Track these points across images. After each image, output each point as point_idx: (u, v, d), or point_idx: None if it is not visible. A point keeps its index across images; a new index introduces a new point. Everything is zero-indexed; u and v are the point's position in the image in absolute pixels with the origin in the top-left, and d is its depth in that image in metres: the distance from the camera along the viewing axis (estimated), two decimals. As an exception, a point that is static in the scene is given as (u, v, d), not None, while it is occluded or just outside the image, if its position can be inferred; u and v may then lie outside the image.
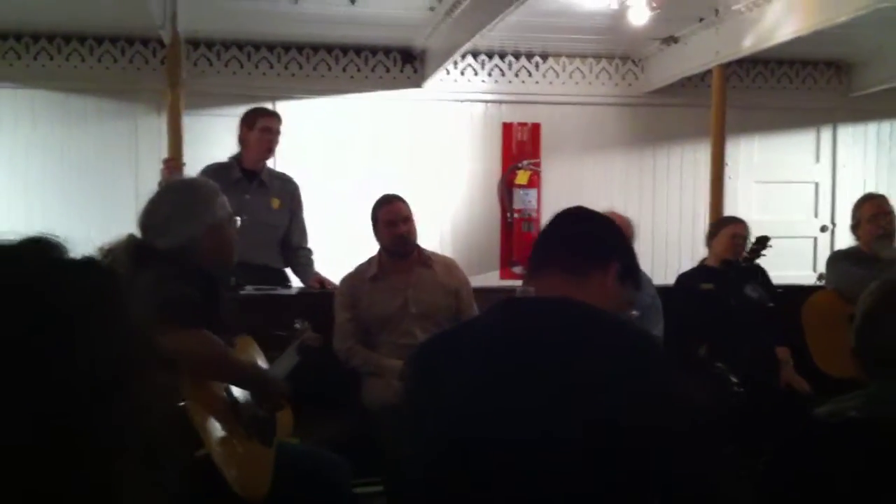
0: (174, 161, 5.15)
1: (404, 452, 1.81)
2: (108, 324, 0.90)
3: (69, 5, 5.91)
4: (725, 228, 5.06)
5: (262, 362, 3.29)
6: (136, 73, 6.95)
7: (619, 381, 1.59)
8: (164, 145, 5.51)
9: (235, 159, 5.12)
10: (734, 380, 4.39)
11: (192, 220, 2.92)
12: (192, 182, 3.31)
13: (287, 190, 5.19)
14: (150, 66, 6.95)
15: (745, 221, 5.08)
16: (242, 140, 5.12)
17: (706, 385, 4.33)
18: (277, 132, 5.14)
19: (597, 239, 1.97)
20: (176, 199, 2.99)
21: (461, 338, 1.85)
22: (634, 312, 3.86)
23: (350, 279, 4.49)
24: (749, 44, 5.85)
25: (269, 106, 6.17)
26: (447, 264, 4.56)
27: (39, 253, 0.92)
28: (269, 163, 5.30)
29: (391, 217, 4.38)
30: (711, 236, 5.16)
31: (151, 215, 2.93)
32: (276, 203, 5.11)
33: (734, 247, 4.92)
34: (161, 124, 6.01)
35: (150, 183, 4.79)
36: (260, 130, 5.06)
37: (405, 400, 1.91)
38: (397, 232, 4.35)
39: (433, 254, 4.60)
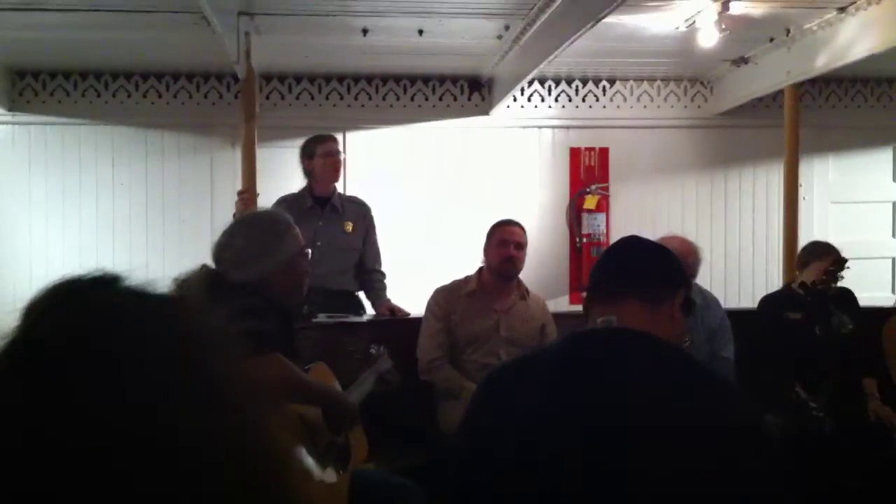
0: (248, 193, 5.25)
1: (463, 475, 1.81)
2: (176, 355, 0.88)
3: (147, 44, 6.10)
4: (821, 261, 4.84)
5: (337, 389, 3.33)
6: (211, 108, 7.14)
7: (708, 446, 1.58)
8: (239, 177, 5.63)
9: (307, 189, 5.22)
10: (813, 405, 4.30)
11: (265, 254, 2.97)
12: (266, 216, 3.37)
13: (360, 213, 5.27)
14: (224, 101, 7.13)
15: (839, 252, 4.88)
16: (307, 172, 5.20)
17: (786, 413, 4.25)
18: (339, 153, 5.24)
19: (667, 267, 1.99)
20: (250, 233, 3.05)
21: (537, 366, 1.85)
22: (687, 341, 3.82)
23: (445, 291, 4.53)
24: (822, 63, 5.76)
25: (339, 137, 6.27)
26: (539, 301, 4.63)
27: (109, 288, 0.91)
28: (340, 188, 5.40)
29: (506, 237, 4.46)
30: (804, 263, 4.97)
31: (226, 248, 2.99)
32: (349, 226, 5.18)
33: (826, 277, 4.80)
34: (235, 157, 6.15)
35: (225, 215, 4.90)
36: (322, 157, 5.15)
37: (468, 421, 1.91)
38: (507, 253, 4.42)
39: (531, 291, 4.65)
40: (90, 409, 0.81)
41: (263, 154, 5.79)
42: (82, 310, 0.88)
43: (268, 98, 7.08)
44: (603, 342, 1.82)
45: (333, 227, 5.13)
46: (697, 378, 1.75)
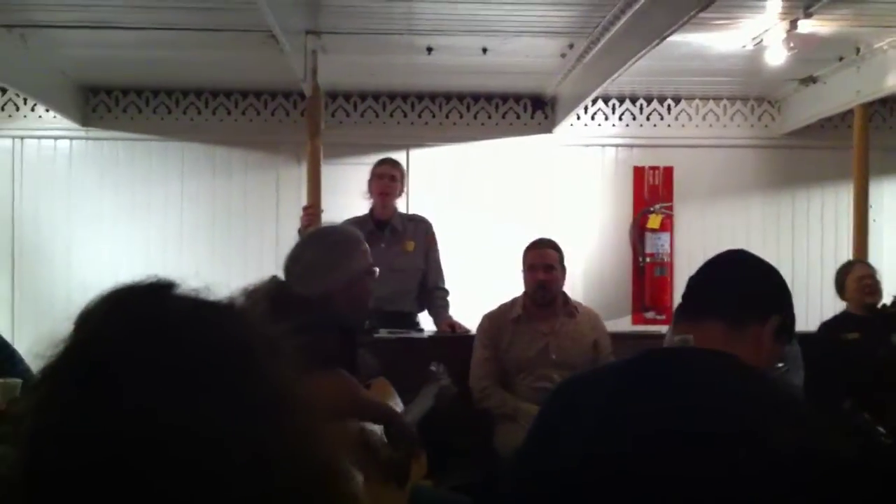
0: (313, 208, 5.31)
1: (524, 487, 1.77)
2: (229, 362, 0.87)
3: (216, 63, 6.24)
4: (850, 275, 4.89)
5: (397, 404, 3.34)
6: (277, 126, 7.26)
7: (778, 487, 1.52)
8: (304, 194, 5.70)
9: (369, 213, 5.23)
10: (882, 430, 4.19)
11: (332, 270, 2.99)
12: (337, 231, 3.38)
13: (420, 230, 5.26)
14: (290, 119, 7.24)
15: (866, 262, 4.89)
16: (370, 193, 5.23)
17: (852, 438, 4.15)
18: (392, 177, 5.17)
19: (762, 289, 1.86)
20: (320, 247, 3.07)
21: (604, 381, 1.80)
22: (780, 365, 3.76)
23: (492, 317, 4.51)
24: (892, 82, 5.65)
25: (402, 154, 6.33)
26: (590, 316, 4.52)
27: (164, 294, 0.91)
28: (402, 207, 5.42)
29: (533, 261, 4.40)
30: (840, 285, 4.99)
31: (296, 261, 3.02)
32: (410, 246, 5.18)
33: (864, 289, 4.74)
34: (301, 174, 6.24)
35: (290, 230, 4.97)
36: (376, 178, 5.17)
37: (533, 432, 1.85)
38: (536, 277, 4.36)
39: (578, 304, 4.59)
40: (144, 415, 0.81)
41: (328, 171, 5.86)
42: (136, 316, 0.88)
43: (333, 116, 7.17)
44: (672, 360, 1.74)
45: (393, 249, 5.13)
46: (778, 408, 1.60)
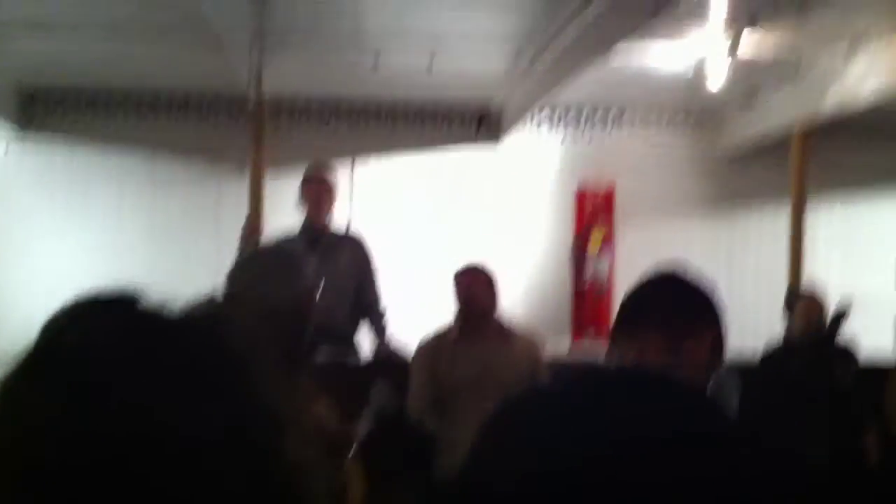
0: (254, 219, 5.21)
1: None
2: (196, 375, 0.87)
3: (157, 67, 6.12)
4: (799, 305, 4.93)
5: (336, 424, 3.30)
6: (219, 135, 7.13)
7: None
8: (246, 206, 5.61)
9: (304, 224, 5.09)
10: (814, 460, 4.26)
11: (278, 286, 2.95)
12: (279, 249, 3.34)
13: (354, 248, 5.16)
14: (233, 128, 7.11)
15: (818, 294, 4.93)
16: (302, 205, 5.04)
17: (786, 465, 4.19)
18: (323, 182, 5.05)
19: (699, 306, 1.88)
20: (262, 264, 3.03)
21: (538, 405, 1.79)
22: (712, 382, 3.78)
23: (430, 341, 4.46)
24: (833, 103, 5.74)
25: (347, 167, 6.27)
26: (528, 338, 4.51)
27: (128, 307, 0.90)
28: (344, 222, 5.33)
29: (460, 280, 4.40)
30: (788, 311, 5.04)
31: (236, 279, 2.98)
32: (344, 264, 5.08)
33: (811, 323, 4.80)
34: (243, 186, 6.14)
35: (231, 241, 4.88)
36: (309, 183, 5.02)
37: (471, 459, 1.82)
38: (461, 296, 4.36)
39: (516, 326, 4.56)
40: (107, 423, 0.80)
41: (273, 182, 5.78)
42: (101, 327, 0.87)
43: (277, 126, 7.07)
44: (609, 381, 1.74)
45: (328, 265, 5.03)
46: (712, 428, 1.68)
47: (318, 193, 5.01)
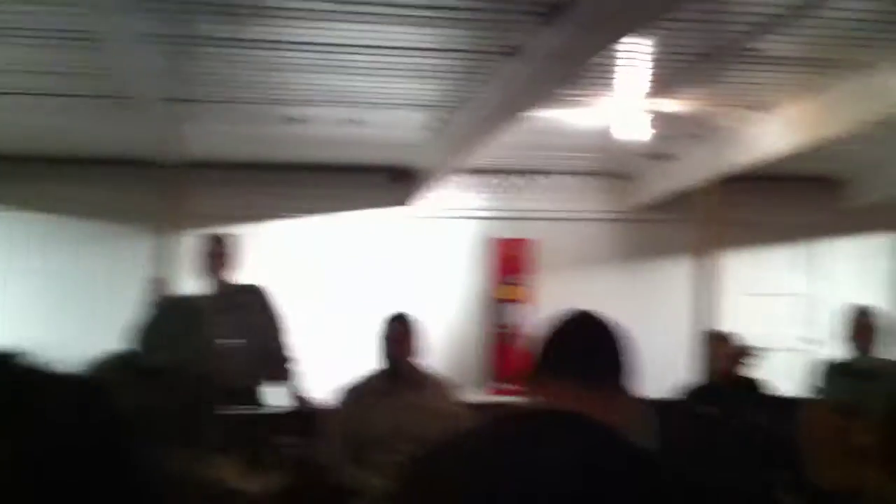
0: (164, 282, 5.09)
1: None
2: (90, 437, 0.88)
3: (74, 131, 5.99)
4: (714, 346, 5.06)
5: (245, 480, 3.22)
6: (134, 196, 6.96)
7: None
8: (162, 266, 5.47)
9: (207, 283, 5.01)
10: (727, 494, 4.29)
11: (185, 339, 2.90)
12: (184, 302, 3.28)
13: (257, 300, 5.05)
14: (147, 189, 6.96)
15: (732, 337, 5.06)
16: (202, 265, 5.01)
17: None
18: (218, 255, 4.95)
19: (612, 350, 1.84)
20: (171, 317, 2.98)
21: (462, 451, 1.75)
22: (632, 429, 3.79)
23: (350, 389, 4.40)
24: (741, 160, 5.95)
25: (263, 225, 6.19)
26: (449, 389, 4.48)
27: (11, 363, 0.90)
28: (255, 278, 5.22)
29: (385, 334, 4.36)
30: (703, 354, 5.16)
31: (145, 333, 2.94)
32: (250, 317, 4.97)
33: (726, 364, 4.90)
34: (158, 245, 5.99)
35: (144, 303, 4.73)
36: (204, 255, 4.98)
37: None
38: (386, 349, 4.32)
39: (437, 376, 4.53)
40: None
41: (187, 242, 5.65)
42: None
43: (192, 186, 6.94)
44: (532, 426, 1.72)
45: (232, 321, 4.93)
46: (637, 468, 1.67)
47: (214, 266, 4.94)
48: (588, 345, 1.83)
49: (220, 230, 5.20)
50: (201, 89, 5.10)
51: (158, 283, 5.09)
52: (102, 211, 6.98)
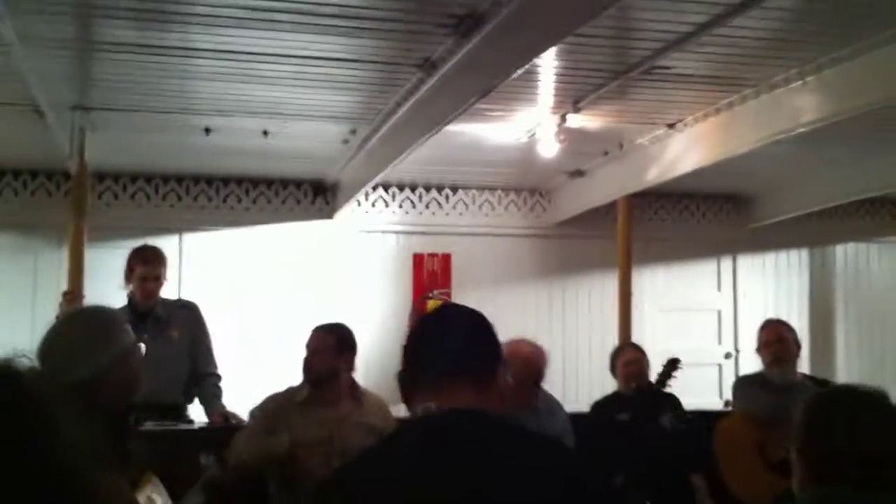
0: (73, 294, 4.94)
1: None
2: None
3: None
4: (619, 359, 5.14)
5: (163, 501, 3.10)
6: (38, 206, 6.79)
7: None
8: (65, 279, 5.32)
9: (128, 301, 4.87)
10: (647, 502, 4.34)
11: (96, 351, 2.76)
12: (93, 310, 3.13)
13: (185, 316, 4.94)
14: (53, 200, 6.80)
15: (636, 347, 5.14)
16: (129, 284, 4.85)
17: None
18: (156, 278, 4.84)
19: (487, 341, 1.84)
20: (79, 328, 2.84)
21: (387, 459, 1.71)
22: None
23: (276, 399, 4.31)
24: (652, 176, 6.05)
25: (175, 238, 6.06)
26: (379, 404, 4.42)
27: None
28: (173, 292, 5.13)
29: (308, 345, 4.29)
30: (612, 367, 5.23)
31: (52, 347, 2.78)
32: (176, 334, 4.87)
33: (629, 374, 4.97)
34: (62, 258, 5.83)
35: (48, 318, 4.58)
36: (138, 279, 4.84)
37: None
38: (309, 364, 4.25)
39: (366, 391, 4.47)
40: None
41: (93, 255, 5.51)
42: None
43: (100, 197, 6.80)
44: (450, 428, 1.67)
45: (158, 338, 4.81)
46: (550, 451, 1.71)
47: (138, 290, 4.81)
48: (477, 341, 1.81)
49: (140, 242, 5.07)
50: (111, 96, 4.97)
51: (69, 295, 4.93)
52: (8, 222, 6.74)
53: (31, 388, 0.94)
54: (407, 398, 1.82)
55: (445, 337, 1.82)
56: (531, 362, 4.40)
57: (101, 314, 2.97)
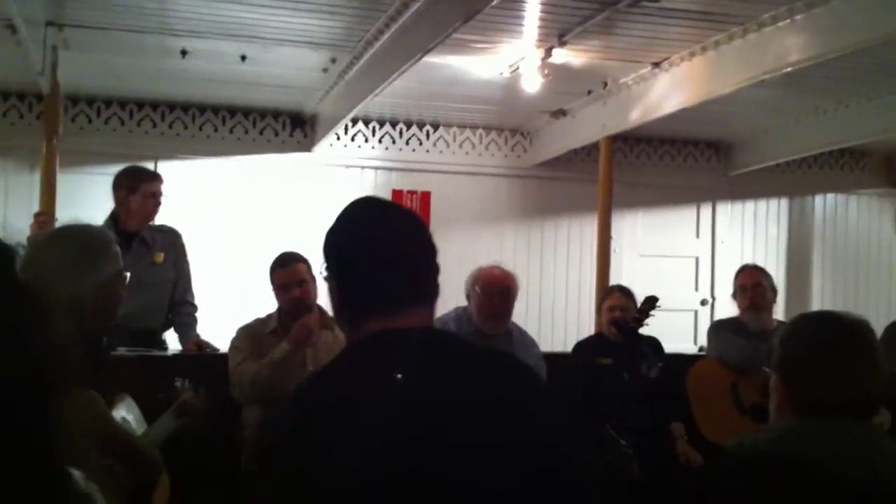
0: (45, 216, 4.85)
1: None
2: None
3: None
4: (605, 302, 5.10)
5: (138, 419, 3.07)
6: (9, 129, 6.64)
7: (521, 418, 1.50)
8: (37, 203, 5.22)
9: (111, 221, 4.78)
10: (623, 442, 4.35)
11: (78, 273, 2.70)
12: (84, 230, 3.04)
13: (169, 241, 4.90)
14: (25, 122, 6.66)
15: (624, 293, 5.07)
16: (122, 203, 4.78)
17: (597, 447, 4.26)
18: (161, 195, 4.86)
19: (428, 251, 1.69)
20: (64, 247, 2.77)
21: (355, 371, 1.58)
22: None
23: (249, 329, 4.30)
24: (635, 117, 5.99)
25: (150, 166, 5.94)
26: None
27: None
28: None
29: (286, 280, 4.23)
30: (598, 308, 5.20)
31: (33, 263, 2.72)
32: (159, 258, 4.82)
33: (611, 320, 4.95)
34: (34, 181, 5.71)
35: (19, 241, 4.50)
36: (143, 195, 4.74)
37: (286, 433, 1.56)
38: (292, 296, 4.20)
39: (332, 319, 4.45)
40: None
41: (65, 180, 5.41)
42: None
43: (73, 121, 6.66)
44: (413, 342, 1.56)
45: (142, 261, 4.77)
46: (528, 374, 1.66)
47: (146, 207, 4.75)
48: (430, 252, 1.68)
49: (114, 169, 4.98)
50: (85, 14, 4.83)
51: (41, 217, 4.84)
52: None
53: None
54: (354, 323, 1.63)
55: (404, 253, 1.65)
56: (503, 286, 4.42)
57: (89, 235, 2.90)
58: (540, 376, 1.71)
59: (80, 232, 2.95)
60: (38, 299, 0.86)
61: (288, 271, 4.24)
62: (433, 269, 1.67)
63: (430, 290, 1.65)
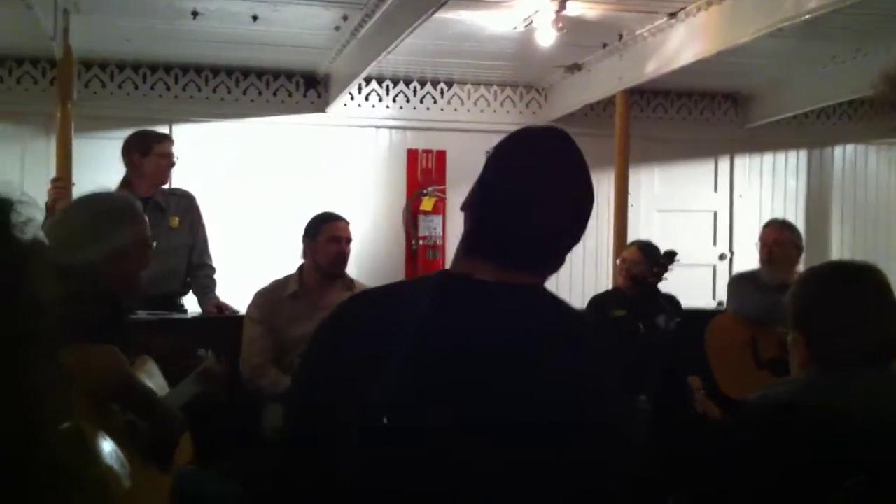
0: (62, 181, 4.87)
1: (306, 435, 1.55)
2: None
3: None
4: (621, 255, 5.11)
5: (160, 384, 3.10)
6: (24, 94, 6.65)
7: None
8: (53, 168, 5.24)
9: (125, 185, 4.78)
10: (642, 397, 4.36)
11: (103, 238, 2.72)
12: (110, 197, 3.04)
13: (185, 205, 4.91)
14: (39, 87, 6.66)
15: (641, 249, 5.05)
16: (134, 167, 4.78)
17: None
18: (174, 156, 4.88)
19: (542, 238, 1.62)
20: (88, 213, 2.79)
21: (405, 300, 1.57)
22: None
23: (266, 294, 4.32)
24: (652, 69, 5.92)
25: (165, 130, 5.94)
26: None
27: None
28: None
29: (336, 234, 4.28)
30: (616, 262, 5.22)
31: (60, 226, 2.75)
32: (175, 222, 4.83)
33: (621, 271, 4.96)
34: (50, 147, 5.72)
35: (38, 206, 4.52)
36: (157, 156, 4.75)
37: (320, 351, 1.61)
38: (339, 250, 4.25)
39: (356, 280, 4.48)
40: None
41: (80, 145, 5.42)
42: None
43: (87, 86, 6.65)
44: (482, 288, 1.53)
45: (158, 226, 4.76)
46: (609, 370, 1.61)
47: (160, 169, 4.76)
48: (514, 229, 1.59)
49: (129, 132, 4.97)
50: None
51: (58, 182, 4.86)
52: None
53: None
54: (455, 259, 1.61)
55: (500, 224, 1.56)
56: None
57: (116, 204, 2.91)
58: (615, 356, 1.65)
59: (97, 201, 2.96)
60: (30, 249, 0.84)
61: (340, 225, 4.33)
62: (563, 243, 1.59)
63: (544, 260, 1.57)
